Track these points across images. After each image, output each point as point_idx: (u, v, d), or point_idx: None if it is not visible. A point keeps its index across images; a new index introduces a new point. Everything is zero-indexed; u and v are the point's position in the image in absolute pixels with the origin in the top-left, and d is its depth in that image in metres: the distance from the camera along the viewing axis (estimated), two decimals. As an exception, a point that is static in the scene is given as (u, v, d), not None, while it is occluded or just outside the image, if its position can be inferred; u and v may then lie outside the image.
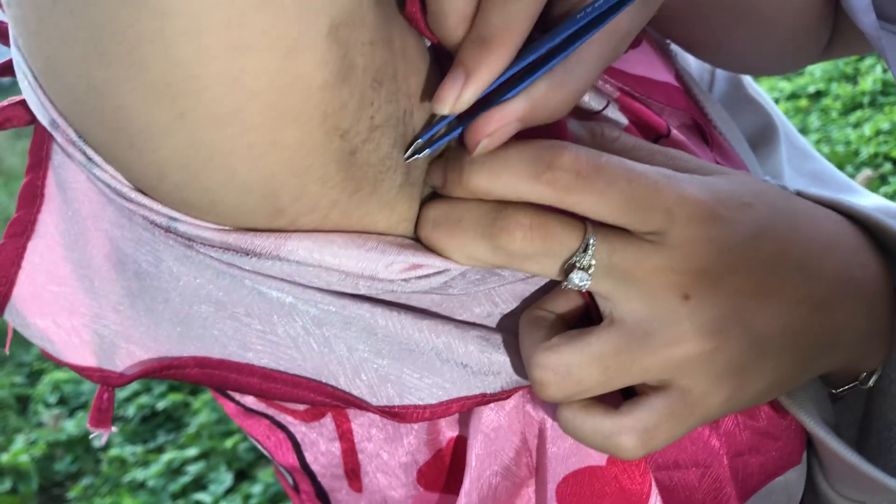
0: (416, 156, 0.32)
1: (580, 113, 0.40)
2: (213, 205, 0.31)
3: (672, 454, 0.39)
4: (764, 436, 0.40)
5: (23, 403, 2.30)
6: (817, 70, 2.85)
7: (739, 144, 0.51)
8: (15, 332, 0.38)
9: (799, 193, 0.39)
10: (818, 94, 2.76)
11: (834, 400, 0.42)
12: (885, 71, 2.69)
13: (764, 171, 0.55)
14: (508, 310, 0.37)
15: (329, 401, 0.36)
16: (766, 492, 0.42)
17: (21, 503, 1.94)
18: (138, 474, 1.90)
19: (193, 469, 1.88)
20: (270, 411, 0.42)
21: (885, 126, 2.39)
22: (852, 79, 2.76)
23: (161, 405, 2.11)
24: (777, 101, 2.77)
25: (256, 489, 1.77)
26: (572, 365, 0.33)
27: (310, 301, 0.35)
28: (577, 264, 0.33)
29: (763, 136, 0.57)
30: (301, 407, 0.41)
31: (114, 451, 1.99)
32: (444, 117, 0.32)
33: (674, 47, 0.50)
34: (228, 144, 0.28)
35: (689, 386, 0.33)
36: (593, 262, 0.33)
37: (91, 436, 0.38)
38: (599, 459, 0.38)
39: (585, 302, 0.36)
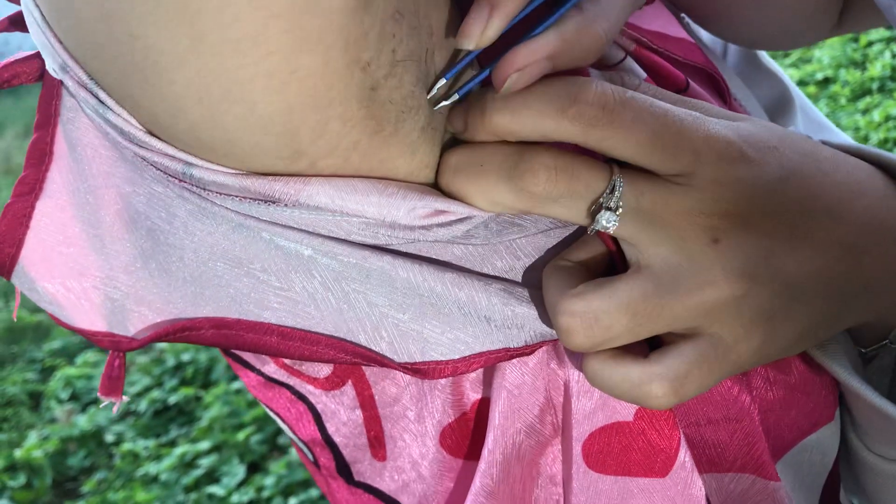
0: (442, 103, 0.32)
1: (599, 64, 0.40)
2: (231, 144, 0.30)
3: (702, 410, 0.38)
4: (796, 391, 0.40)
5: (35, 399, 2.31)
6: (825, 56, 2.84)
7: (755, 111, 0.50)
8: (25, 327, 0.37)
9: (824, 142, 0.38)
10: (826, 81, 2.74)
11: (864, 362, 0.41)
12: (893, 56, 2.67)
13: None
14: (530, 263, 0.36)
15: (349, 358, 0.35)
16: (799, 449, 0.41)
17: (35, 498, 1.95)
18: (151, 468, 1.91)
19: (206, 462, 1.88)
20: (292, 380, 0.41)
21: (895, 111, 2.38)
22: (861, 65, 2.75)
23: (173, 399, 2.11)
24: (785, 88, 2.76)
25: (269, 481, 1.77)
26: (600, 311, 0.32)
27: (329, 253, 0.34)
28: (605, 205, 0.32)
29: (779, 107, 0.56)
30: (322, 374, 0.40)
31: (126, 446, 2.00)
32: (467, 55, 0.32)
33: (684, 17, 0.50)
34: (248, 73, 0.27)
35: (720, 333, 0.32)
36: (621, 203, 0.32)
37: (113, 406, 0.38)
38: (626, 415, 0.37)
39: (610, 251, 0.35)
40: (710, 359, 0.32)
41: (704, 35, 0.53)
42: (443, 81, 0.32)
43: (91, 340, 0.37)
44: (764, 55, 0.60)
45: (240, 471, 1.84)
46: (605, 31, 0.31)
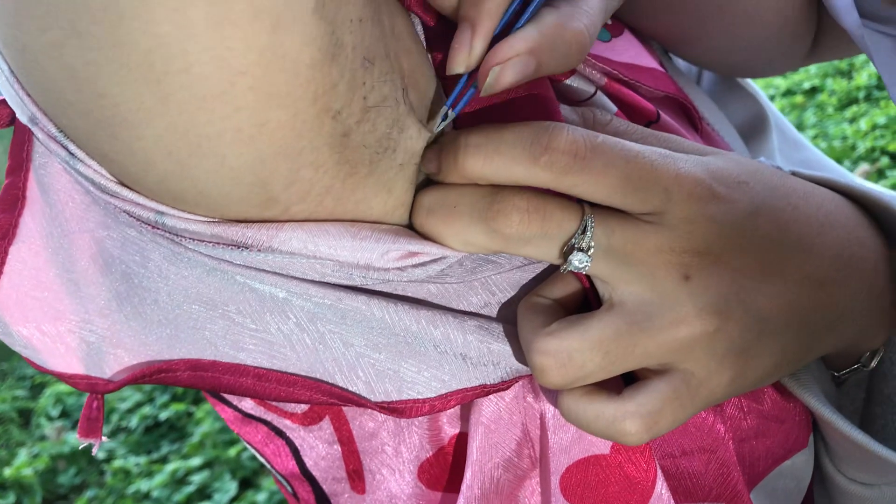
0: (441, 124, 0.32)
1: (569, 101, 0.40)
2: (202, 195, 0.30)
3: (677, 441, 0.38)
4: (769, 420, 0.40)
5: (25, 417, 2.30)
6: (812, 66, 2.85)
7: (728, 134, 0.50)
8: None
9: (794, 173, 0.38)
10: (813, 90, 2.76)
11: (836, 384, 0.42)
12: (879, 65, 2.69)
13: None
14: (506, 298, 0.37)
15: (326, 399, 0.35)
16: (773, 476, 0.41)
17: (25, 517, 1.94)
18: (143, 485, 1.90)
19: (198, 478, 1.87)
20: (269, 416, 0.41)
21: (882, 120, 2.39)
22: (847, 74, 2.76)
23: (164, 415, 2.10)
24: (772, 97, 2.77)
25: (261, 497, 1.76)
26: (573, 350, 0.32)
27: (304, 294, 0.34)
28: (577, 246, 0.32)
29: (754, 127, 0.57)
30: (299, 410, 0.40)
31: (117, 463, 1.99)
32: (461, 79, 0.32)
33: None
34: (216, 128, 0.27)
35: (692, 369, 0.33)
36: (592, 243, 0.32)
37: (92, 448, 0.38)
38: (603, 448, 0.37)
39: (584, 287, 0.35)
40: (682, 395, 0.33)
41: (680, 60, 0.54)
42: (447, 111, 0.32)
43: (68, 383, 0.37)
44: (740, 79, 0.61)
45: (232, 487, 1.83)
46: (586, 27, 0.32)
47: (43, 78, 0.28)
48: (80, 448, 2.02)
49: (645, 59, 0.44)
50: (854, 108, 2.53)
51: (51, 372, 0.37)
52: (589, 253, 0.32)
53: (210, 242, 0.32)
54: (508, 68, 0.31)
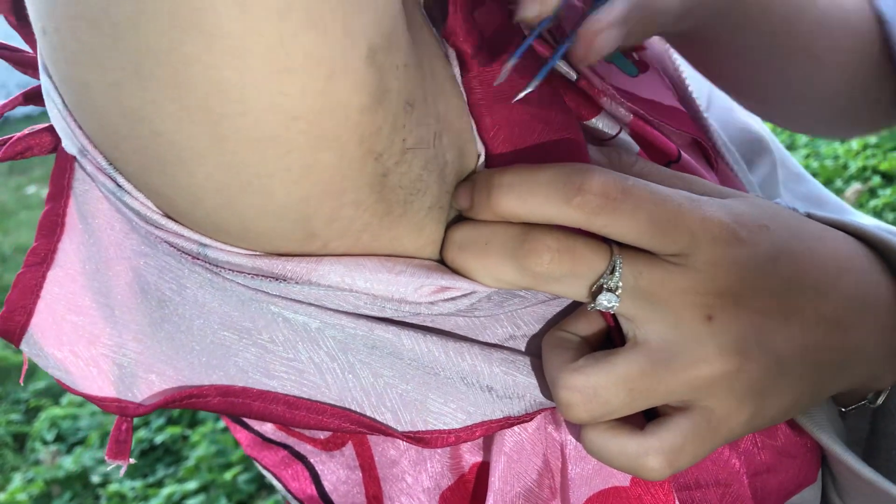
0: (522, 92, 0.34)
1: (594, 139, 0.41)
2: (247, 230, 0.31)
3: (693, 474, 0.39)
4: (782, 455, 0.41)
5: (20, 441, 2.28)
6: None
7: (738, 167, 0.52)
8: (9, 367, 0.38)
9: (809, 215, 0.39)
10: (805, 110, 2.78)
11: (841, 417, 0.42)
12: (869, 85, 2.72)
13: (761, 193, 0.56)
14: (531, 332, 0.37)
15: (354, 427, 0.36)
16: None
17: (20, 542, 1.92)
18: (139, 509, 1.88)
19: (194, 502, 1.86)
20: (290, 440, 0.42)
21: (873, 139, 2.41)
22: (838, 94, 2.79)
23: (159, 439, 2.09)
24: (764, 117, 2.79)
25: (258, 521, 1.75)
26: (599, 386, 0.33)
27: (336, 325, 0.35)
28: (605, 286, 0.33)
29: (757, 160, 0.59)
30: (321, 435, 0.41)
31: (113, 487, 1.97)
32: (527, 39, 0.34)
33: (678, 66, 0.51)
34: (267, 168, 0.28)
35: (713, 406, 0.34)
36: (620, 283, 0.33)
37: (121, 469, 0.38)
38: (623, 480, 0.38)
39: (608, 324, 0.36)
40: (703, 431, 0.34)
41: (691, 81, 0.54)
42: (509, 65, 0.33)
43: (98, 406, 0.37)
44: (743, 111, 0.62)
45: (228, 511, 1.82)
46: (658, 10, 0.35)
47: (99, 114, 0.29)
48: (75, 472, 2.01)
49: (667, 98, 0.45)
50: (845, 128, 2.56)
51: (82, 394, 0.37)
52: (617, 293, 0.33)
53: (249, 274, 0.33)
54: (604, 38, 0.33)
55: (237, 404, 0.36)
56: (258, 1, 0.24)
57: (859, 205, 2.22)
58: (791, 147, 2.58)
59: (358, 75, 0.27)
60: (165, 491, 1.91)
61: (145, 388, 0.37)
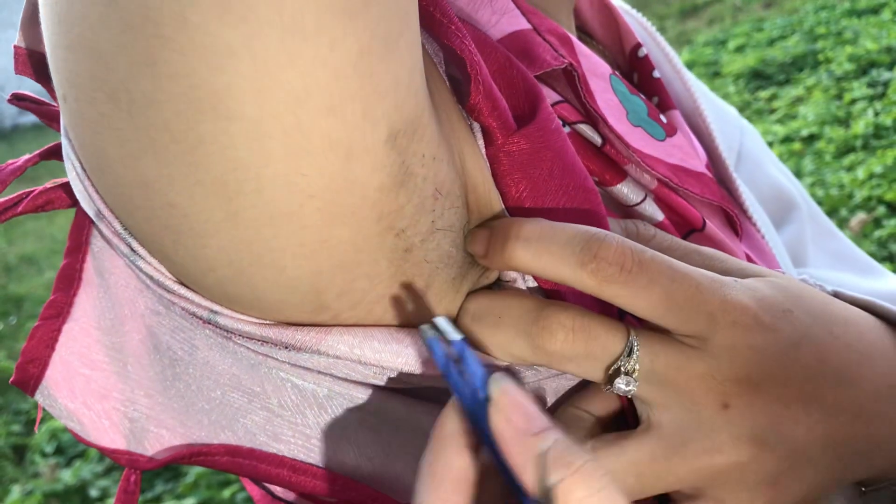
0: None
1: (618, 206, 0.41)
2: (257, 300, 0.31)
3: None
4: None
5: (19, 453, 2.29)
6: (810, 113, 2.89)
7: (766, 229, 0.50)
8: (9, 378, 0.39)
9: (836, 294, 0.38)
10: (811, 138, 2.79)
11: (859, 495, 0.41)
12: (876, 114, 2.72)
13: (787, 250, 0.54)
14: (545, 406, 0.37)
15: (359, 497, 0.36)
16: None
17: (16, 556, 1.92)
18: (135, 525, 1.88)
19: (191, 520, 1.86)
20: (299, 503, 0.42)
21: (879, 169, 2.41)
22: (844, 122, 2.79)
23: (159, 454, 2.09)
24: (771, 144, 2.80)
25: (255, 540, 1.74)
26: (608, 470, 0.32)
27: (345, 395, 0.35)
28: (623, 368, 0.32)
29: (786, 218, 0.57)
30: (329, 501, 0.41)
31: (111, 502, 1.97)
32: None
33: (712, 128, 0.50)
34: (280, 243, 0.28)
35: (723, 496, 0.33)
36: (637, 366, 0.32)
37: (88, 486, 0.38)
38: None
39: (622, 403, 0.36)
40: None
41: (718, 140, 0.52)
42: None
43: (110, 457, 0.38)
44: (776, 162, 0.60)
45: (225, 529, 1.82)
46: None
47: (115, 183, 0.29)
48: (73, 486, 2.00)
49: (693, 162, 0.44)
50: (852, 157, 2.56)
51: (94, 445, 0.38)
52: (634, 376, 0.32)
53: (259, 341, 0.33)
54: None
55: (244, 465, 0.36)
56: (277, 86, 0.25)
57: (864, 235, 2.21)
58: (797, 175, 2.58)
59: (378, 157, 0.27)
60: (163, 508, 1.91)
61: (155, 442, 0.37)
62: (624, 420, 0.35)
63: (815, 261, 0.56)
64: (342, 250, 0.29)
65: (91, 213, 0.33)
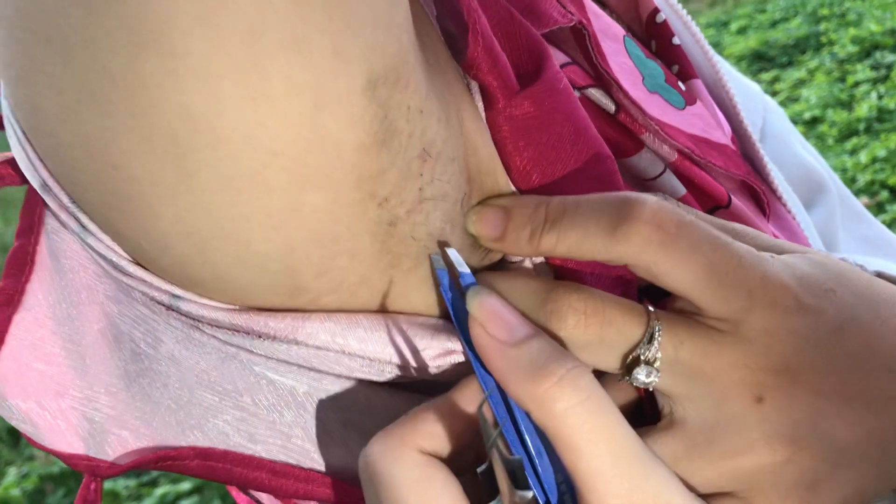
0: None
1: (635, 180, 0.37)
2: (223, 281, 0.27)
3: None
4: None
5: (14, 436, 2.27)
6: (813, 96, 2.86)
7: (797, 209, 0.46)
8: None
9: (879, 275, 0.35)
10: (814, 121, 2.76)
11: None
12: (880, 97, 2.69)
13: (819, 235, 0.50)
14: None
15: (348, 499, 0.33)
16: None
17: (12, 539, 1.91)
18: (132, 509, 1.88)
19: (187, 503, 1.85)
20: None
21: (882, 153, 2.39)
22: (847, 105, 2.76)
23: (155, 437, 2.09)
24: (773, 127, 2.77)
25: (251, 524, 1.74)
26: None
27: (327, 391, 0.32)
28: (643, 357, 0.29)
29: (816, 199, 0.53)
30: None
31: (107, 485, 1.96)
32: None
33: (735, 101, 0.46)
34: (242, 210, 0.24)
35: (751, 498, 0.30)
36: (659, 354, 0.29)
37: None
38: None
39: (639, 395, 0.32)
40: None
41: (745, 119, 0.48)
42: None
43: (67, 464, 0.34)
44: (804, 142, 0.56)
45: (221, 513, 1.81)
46: None
47: (55, 143, 0.25)
48: (69, 469, 2.00)
49: (716, 134, 0.40)
50: (854, 140, 2.53)
51: (49, 450, 0.34)
52: (656, 366, 0.29)
53: (229, 330, 0.29)
54: None
55: (217, 469, 0.33)
56: (226, 14, 0.21)
57: (866, 219, 2.20)
58: (799, 158, 2.55)
59: (353, 109, 0.24)
60: (159, 491, 1.90)
61: (118, 445, 0.33)
62: (640, 413, 0.32)
63: (846, 246, 0.52)
64: (317, 220, 0.25)
65: (36, 185, 0.29)
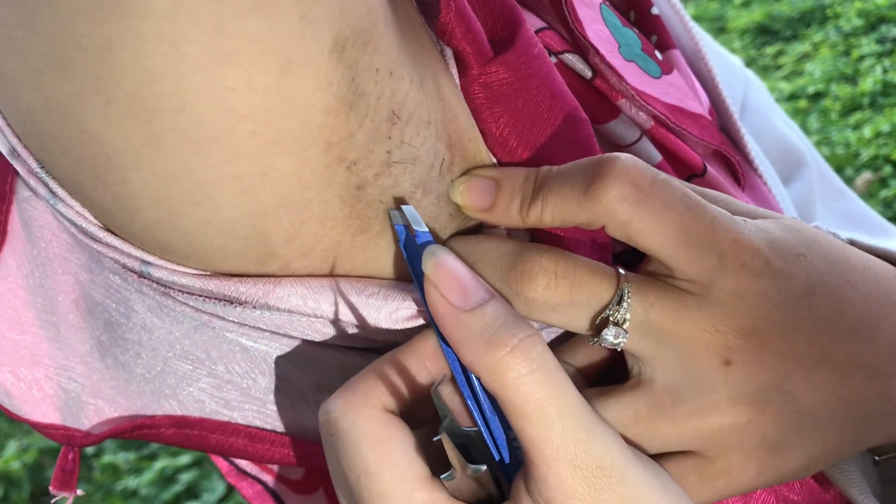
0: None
1: (611, 146, 0.37)
2: (192, 247, 0.27)
3: None
4: None
5: (14, 410, 2.29)
6: (817, 70, 2.83)
7: (773, 181, 0.47)
8: None
9: (852, 242, 0.35)
10: (818, 95, 2.73)
11: (874, 465, 0.39)
12: (885, 72, 2.67)
13: (795, 208, 0.51)
14: None
15: (323, 461, 0.33)
16: None
17: (12, 511, 1.92)
18: (131, 482, 1.88)
19: (186, 477, 1.86)
20: (264, 476, 0.40)
21: (886, 128, 2.37)
22: (852, 79, 2.74)
23: (154, 411, 2.09)
24: (776, 101, 2.74)
25: (250, 498, 1.75)
26: None
27: (301, 356, 0.32)
28: (611, 318, 0.29)
29: (794, 174, 0.53)
30: (293, 477, 0.38)
31: (106, 459, 1.97)
32: None
33: (714, 73, 0.47)
34: (211, 175, 0.24)
35: (712, 458, 0.30)
36: (628, 316, 0.29)
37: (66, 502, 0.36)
38: None
39: (610, 355, 0.33)
40: (689, 482, 0.30)
41: (725, 93, 0.49)
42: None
43: (43, 434, 0.35)
44: (783, 116, 0.57)
45: (220, 487, 1.81)
46: None
47: (23, 108, 0.25)
48: (68, 443, 2.01)
49: (692, 104, 0.40)
50: (858, 115, 2.51)
51: (25, 420, 0.35)
52: (625, 327, 0.29)
53: (200, 296, 0.29)
54: None
55: (193, 437, 0.33)
56: None
57: (870, 194, 2.18)
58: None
59: (321, 71, 0.24)
60: (158, 464, 1.91)
61: (93, 414, 0.34)
62: (613, 372, 0.32)
63: (823, 220, 0.53)
64: (286, 185, 0.25)
65: (5, 151, 0.29)
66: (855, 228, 0.53)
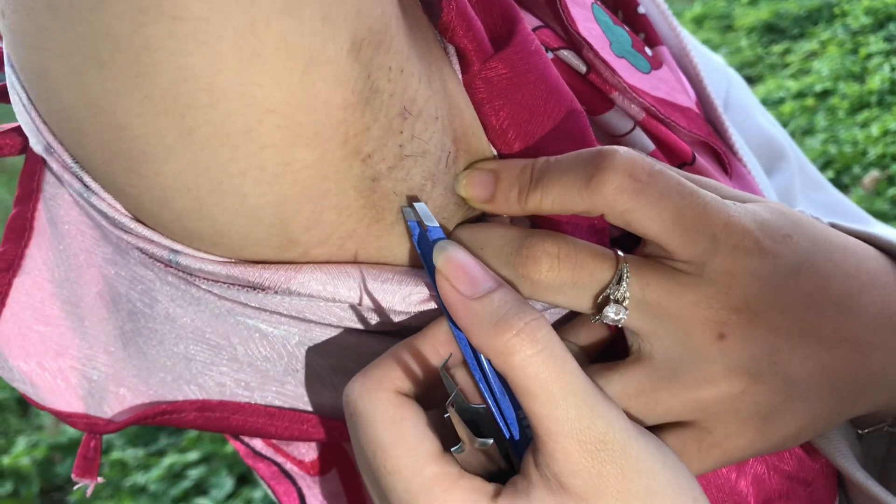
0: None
1: (606, 136, 0.39)
2: (220, 235, 0.29)
3: None
4: (793, 481, 0.39)
5: (24, 406, 2.29)
6: (824, 68, 2.83)
7: (757, 172, 0.49)
8: None
9: (833, 225, 0.37)
10: (825, 93, 2.73)
11: (858, 438, 0.40)
12: (893, 69, 2.67)
13: (777, 199, 0.53)
14: None
15: (340, 438, 0.35)
16: None
17: (21, 507, 1.93)
18: (139, 478, 1.89)
19: (194, 473, 1.87)
20: (278, 458, 0.41)
21: (893, 126, 2.37)
22: (860, 77, 2.73)
23: (162, 408, 2.10)
24: (783, 100, 2.75)
25: (257, 494, 1.75)
26: None
27: (318, 340, 0.33)
28: (612, 297, 0.31)
29: (775, 167, 0.56)
30: (308, 458, 0.39)
31: (115, 455, 1.98)
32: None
33: (699, 69, 0.49)
34: (239, 166, 0.26)
35: (710, 427, 0.32)
36: (627, 294, 0.31)
37: (87, 489, 0.37)
38: None
39: (611, 333, 0.34)
40: (690, 451, 0.32)
41: (709, 87, 0.51)
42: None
43: (66, 423, 0.36)
44: (764, 112, 0.59)
45: (228, 483, 1.82)
46: None
47: (61, 106, 0.27)
48: (77, 439, 2.02)
49: (680, 97, 0.42)
50: (866, 113, 2.51)
51: (48, 409, 0.36)
52: (624, 304, 0.31)
53: (224, 283, 0.31)
54: None
55: (214, 419, 0.34)
56: None
57: (877, 193, 2.18)
58: (809, 132, 2.53)
59: (340, 69, 0.25)
60: (167, 461, 1.92)
61: (115, 403, 0.35)
62: (614, 350, 0.34)
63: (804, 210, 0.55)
64: (307, 176, 0.27)
65: (40, 148, 0.31)
66: (835, 217, 0.54)
